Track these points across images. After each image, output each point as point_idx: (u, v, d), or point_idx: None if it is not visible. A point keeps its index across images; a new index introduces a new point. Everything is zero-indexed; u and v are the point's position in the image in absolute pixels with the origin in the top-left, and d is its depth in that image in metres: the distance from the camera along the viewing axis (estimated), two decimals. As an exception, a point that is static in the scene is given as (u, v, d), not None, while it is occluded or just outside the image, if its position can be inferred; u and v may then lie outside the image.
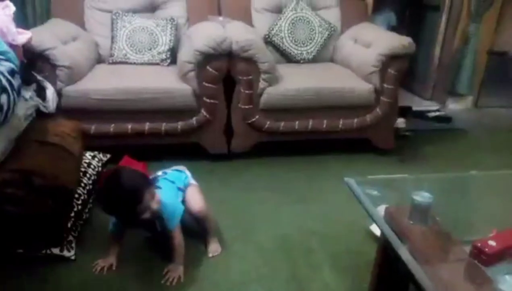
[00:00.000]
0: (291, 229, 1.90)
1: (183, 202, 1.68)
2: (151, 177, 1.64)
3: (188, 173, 1.78)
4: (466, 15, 3.36)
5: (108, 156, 2.19)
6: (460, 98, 3.61)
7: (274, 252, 1.75)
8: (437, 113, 3.39)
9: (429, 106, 3.50)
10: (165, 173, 1.72)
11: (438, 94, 3.63)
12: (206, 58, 2.23)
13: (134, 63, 2.57)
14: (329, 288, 1.57)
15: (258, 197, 2.13)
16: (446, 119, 3.33)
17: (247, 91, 2.35)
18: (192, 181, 1.76)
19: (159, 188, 1.58)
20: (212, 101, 2.32)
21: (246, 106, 2.37)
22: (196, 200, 1.69)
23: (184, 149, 2.39)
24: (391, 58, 2.43)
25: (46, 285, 1.53)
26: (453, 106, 3.60)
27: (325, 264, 1.69)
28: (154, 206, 1.48)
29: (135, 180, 1.46)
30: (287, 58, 2.80)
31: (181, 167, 1.80)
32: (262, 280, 1.60)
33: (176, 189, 1.67)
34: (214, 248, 1.73)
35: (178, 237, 1.59)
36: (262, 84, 2.35)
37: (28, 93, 1.84)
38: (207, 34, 2.27)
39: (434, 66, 3.61)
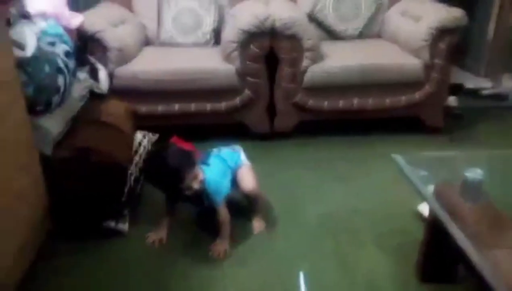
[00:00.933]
0: (335, 207, 1.90)
1: (235, 181, 1.72)
2: (204, 153, 1.68)
3: (242, 153, 1.80)
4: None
5: (157, 135, 2.26)
6: (517, 75, 3.38)
7: (318, 230, 1.76)
8: (491, 91, 3.21)
9: (483, 83, 3.31)
10: (219, 150, 1.76)
11: (493, 71, 3.42)
12: (250, 37, 2.23)
13: (180, 45, 2.62)
14: (374, 266, 1.56)
15: (301, 176, 2.14)
16: (501, 97, 3.14)
17: (290, 70, 2.33)
18: (246, 161, 1.78)
19: (208, 164, 1.63)
20: (255, 80, 2.33)
21: (289, 85, 2.36)
22: (249, 180, 1.72)
23: (227, 129, 2.43)
24: (442, 32, 2.32)
25: (102, 256, 1.63)
26: (509, 84, 3.38)
27: (370, 243, 1.68)
28: (196, 185, 1.53)
29: (178, 160, 1.51)
30: (332, 35, 2.74)
31: (236, 147, 1.82)
32: (306, 256, 1.62)
33: (226, 167, 1.70)
34: (259, 224, 1.77)
35: (223, 213, 1.63)
36: (305, 62, 2.32)
37: (82, 74, 1.94)
38: (251, 12, 2.27)
39: (489, 41, 3.39)
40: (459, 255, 1.25)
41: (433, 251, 1.43)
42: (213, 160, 1.69)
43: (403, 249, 1.62)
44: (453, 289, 1.46)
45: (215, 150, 1.77)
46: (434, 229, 1.38)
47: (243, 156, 1.79)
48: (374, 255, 1.62)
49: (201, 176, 1.55)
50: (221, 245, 1.63)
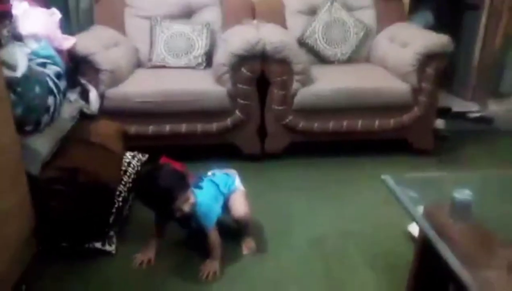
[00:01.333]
0: (325, 229, 1.89)
1: (226, 205, 1.71)
2: (197, 176, 1.67)
3: (237, 178, 1.78)
4: (507, 13, 3.22)
5: (147, 156, 2.26)
6: (502, 99, 3.46)
7: (309, 252, 1.74)
8: (478, 114, 3.27)
9: (470, 107, 3.38)
10: (214, 174, 1.75)
11: (479, 95, 3.49)
12: (241, 60, 2.27)
13: (172, 67, 2.65)
14: (366, 288, 1.55)
15: (292, 198, 2.13)
16: (487, 120, 3.20)
17: (280, 92, 2.36)
18: (240, 187, 1.76)
19: (201, 188, 1.62)
20: (246, 102, 2.35)
21: (280, 107, 2.39)
22: (240, 205, 1.70)
23: (218, 150, 2.43)
24: (428, 57, 2.38)
25: (88, 277, 1.59)
26: (495, 107, 3.46)
27: (361, 264, 1.67)
28: (186, 208, 1.52)
29: (170, 181, 1.50)
30: (321, 59, 2.79)
31: (232, 171, 1.81)
32: (297, 279, 1.60)
33: (218, 192, 1.69)
34: (249, 246, 1.75)
35: (213, 237, 1.62)
36: (295, 85, 2.35)
37: (73, 95, 1.94)
38: (242, 36, 2.31)
39: (475, 66, 3.49)
40: (449, 276, 1.25)
41: (423, 271, 1.42)
42: (206, 184, 1.68)
43: (394, 270, 1.61)
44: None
45: (209, 174, 1.76)
46: (424, 250, 1.37)
47: (237, 181, 1.77)
48: (365, 277, 1.61)
49: (192, 199, 1.54)
50: (211, 266, 1.60)
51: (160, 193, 1.49)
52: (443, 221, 1.21)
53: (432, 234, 1.16)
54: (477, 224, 1.22)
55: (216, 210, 1.65)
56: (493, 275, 1.07)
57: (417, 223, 1.28)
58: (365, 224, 1.92)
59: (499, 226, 1.25)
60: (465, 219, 1.20)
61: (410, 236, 1.77)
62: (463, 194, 1.20)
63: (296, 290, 1.54)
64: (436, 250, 1.11)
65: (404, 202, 1.29)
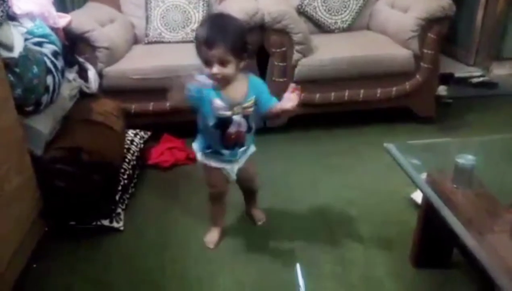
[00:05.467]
0: (329, 199, 1.90)
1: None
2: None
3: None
4: (511, -26, 3.14)
5: (149, 133, 2.26)
6: (505, 63, 3.41)
7: (313, 222, 1.76)
8: (481, 79, 3.23)
9: (473, 72, 3.34)
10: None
11: (482, 59, 3.45)
12: (239, 32, 2.23)
13: (169, 42, 2.61)
14: (370, 256, 1.57)
15: (295, 170, 2.14)
16: (491, 85, 3.16)
17: (281, 64, 2.33)
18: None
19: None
20: (246, 75, 2.33)
21: (281, 79, 2.36)
22: (252, 171, 1.66)
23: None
24: (430, 22, 2.33)
25: (98, 253, 1.62)
26: (498, 72, 3.42)
27: (365, 232, 1.69)
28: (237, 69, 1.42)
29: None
30: (321, 28, 2.74)
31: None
32: (302, 249, 1.62)
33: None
34: (260, 216, 1.77)
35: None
36: (296, 56, 2.32)
37: (71, 74, 1.92)
38: (239, 7, 2.26)
39: (477, 30, 3.42)
40: (453, 241, 1.27)
41: (427, 237, 1.44)
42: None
43: (398, 236, 1.64)
44: (447, 273, 1.47)
45: None
46: (428, 216, 1.39)
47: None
48: (369, 244, 1.63)
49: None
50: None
51: (237, 21, 1.48)
52: (446, 186, 1.22)
53: (435, 200, 1.17)
54: (480, 189, 1.22)
55: None
56: (497, 239, 1.08)
57: (420, 189, 1.29)
58: (369, 192, 1.93)
59: (502, 190, 1.25)
60: (468, 184, 1.21)
61: (414, 203, 1.78)
62: (466, 159, 1.20)
63: (301, 259, 1.57)
64: (440, 216, 1.12)
65: (407, 169, 1.30)
